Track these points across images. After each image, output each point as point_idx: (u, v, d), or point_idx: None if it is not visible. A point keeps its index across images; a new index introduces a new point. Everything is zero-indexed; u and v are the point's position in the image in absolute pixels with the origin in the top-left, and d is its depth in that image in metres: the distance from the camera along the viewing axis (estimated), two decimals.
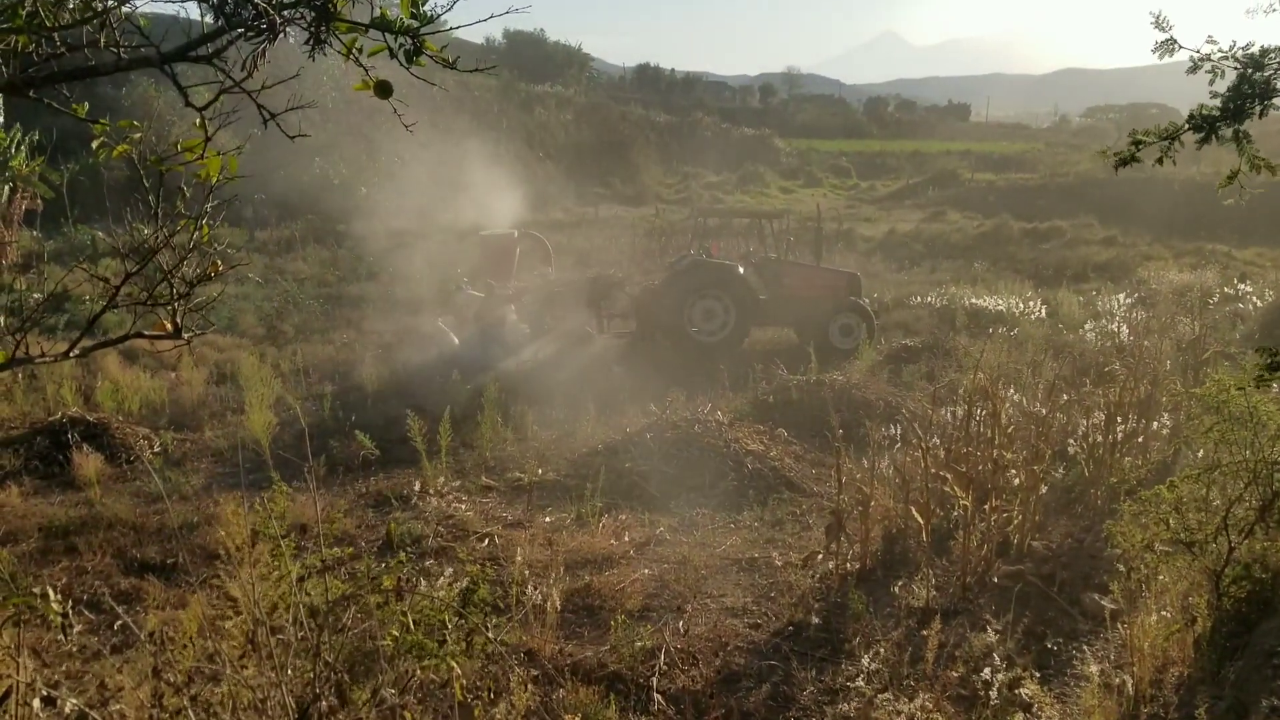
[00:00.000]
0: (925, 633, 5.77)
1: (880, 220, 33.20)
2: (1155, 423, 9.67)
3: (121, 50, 2.03)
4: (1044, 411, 9.14)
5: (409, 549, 7.85)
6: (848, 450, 9.52)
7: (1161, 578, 5.93)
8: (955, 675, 5.60)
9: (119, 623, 6.76)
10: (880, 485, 8.12)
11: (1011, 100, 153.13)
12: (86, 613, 6.98)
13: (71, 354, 2.80)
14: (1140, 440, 9.15)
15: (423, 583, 6.97)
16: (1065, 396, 10.31)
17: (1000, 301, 18.77)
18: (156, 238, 2.79)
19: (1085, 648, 6.33)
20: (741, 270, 15.65)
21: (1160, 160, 3.52)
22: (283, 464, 9.99)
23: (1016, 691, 4.72)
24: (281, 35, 2.30)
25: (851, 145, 55.77)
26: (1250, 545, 5.42)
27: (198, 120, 2.47)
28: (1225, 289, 20.14)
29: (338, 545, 8.05)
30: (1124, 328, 15.97)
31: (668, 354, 15.14)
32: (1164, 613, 5.71)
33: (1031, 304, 18.76)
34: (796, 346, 15.53)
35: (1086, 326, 16.59)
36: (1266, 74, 3.55)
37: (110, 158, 2.65)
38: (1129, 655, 5.49)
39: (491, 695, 4.12)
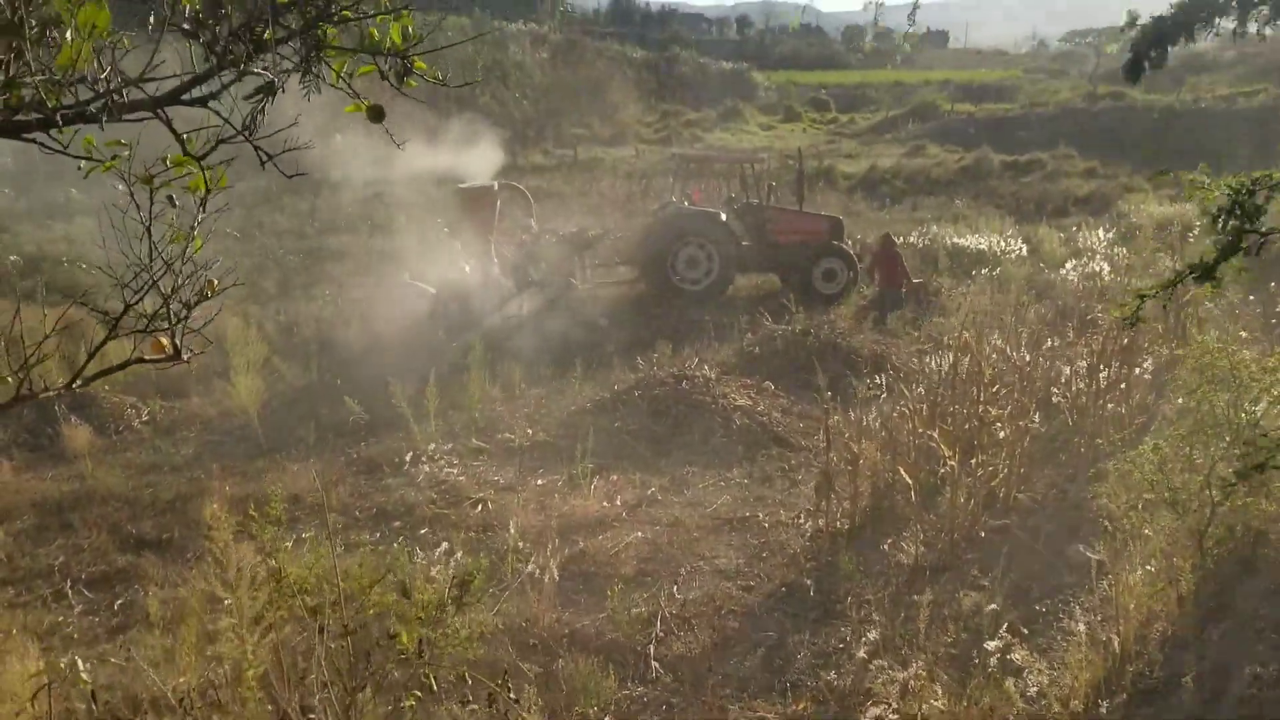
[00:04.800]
0: (916, 597, 5.89)
1: (860, 156, 33.01)
2: (1138, 368, 9.76)
3: (114, 95, 2.00)
4: (1027, 357, 9.24)
5: (403, 518, 7.92)
6: (835, 403, 9.62)
7: (1146, 532, 6.05)
8: (947, 639, 5.73)
9: (119, 603, 6.84)
10: (868, 440, 8.21)
11: (989, 27, 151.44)
12: (86, 592, 7.07)
13: (74, 385, 2.80)
14: (1123, 387, 9.25)
15: (419, 554, 7.06)
16: (1048, 343, 10.40)
17: (981, 240, 18.78)
18: (152, 261, 2.77)
19: (1071, 600, 6.47)
20: (724, 217, 15.59)
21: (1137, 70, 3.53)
22: (272, 430, 10.02)
23: (1008, 658, 4.84)
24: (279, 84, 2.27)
25: (830, 77, 55.22)
26: (1233, 502, 5.53)
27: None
28: (1205, 220, 20.18)
29: (330, 516, 8.15)
30: (1105, 265, 16.03)
31: (652, 303, 15.13)
32: (1148, 567, 5.83)
33: (1012, 242, 18.77)
34: (781, 292, 15.54)
35: (1068, 265, 16.63)
36: None
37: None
38: (1114, 611, 5.62)
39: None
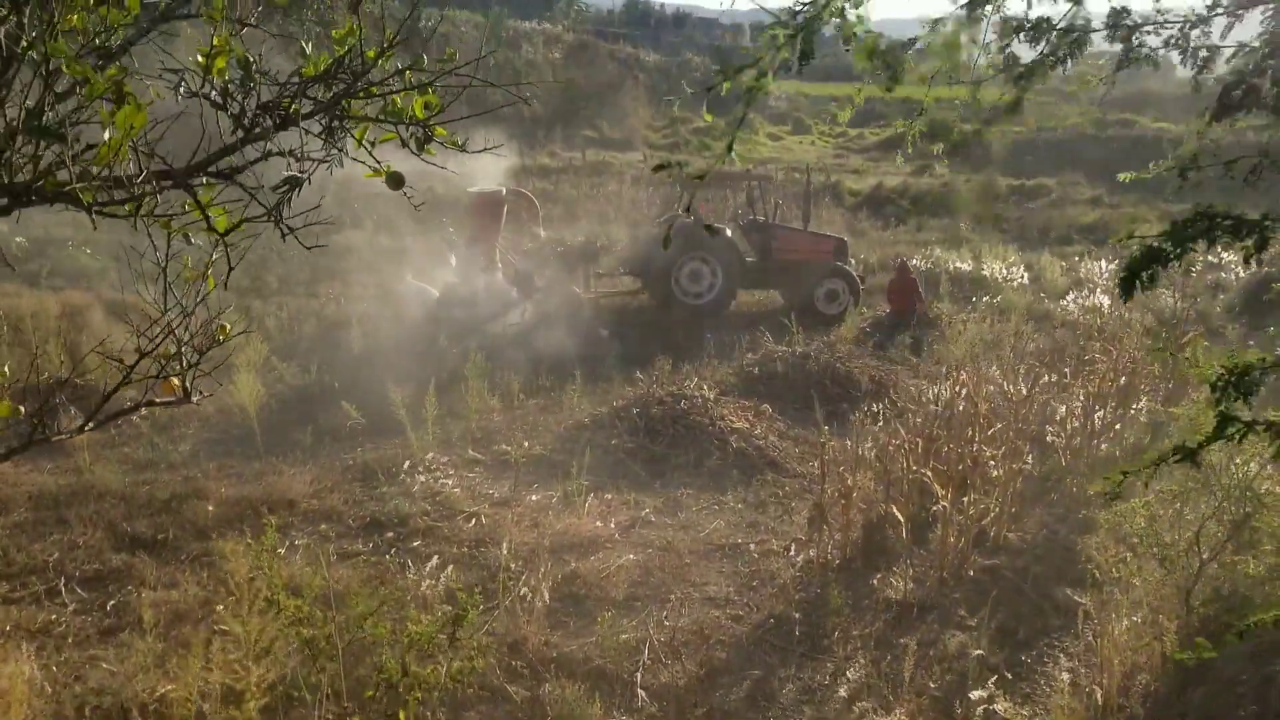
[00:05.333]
0: (904, 640, 5.94)
1: (868, 172, 33.10)
2: (1133, 408, 9.82)
3: (142, 168, 2.05)
4: (1024, 392, 9.28)
5: (396, 529, 7.97)
6: (831, 428, 9.67)
7: (1135, 582, 6.09)
8: (932, 683, 5.79)
9: (112, 603, 6.88)
10: (862, 470, 8.26)
11: None
12: (80, 591, 7.11)
13: (86, 429, 2.85)
14: (1118, 428, 9.31)
15: (410, 568, 7.12)
16: (1045, 378, 10.46)
17: (984, 266, 18.86)
18: (165, 311, 2.82)
19: (1057, 645, 6.53)
20: (729, 233, 15.65)
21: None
22: (270, 431, 10.06)
23: (992, 708, 4.89)
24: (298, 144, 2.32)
25: (841, 90, 55.22)
26: (1220, 560, 5.58)
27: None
28: (1208, 257, 20.26)
29: (325, 523, 8.21)
30: (1105, 299, 16.10)
31: (654, 316, 15.19)
32: (1135, 618, 5.88)
33: (1015, 269, 18.86)
34: (782, 310, 15.60)
35: (1069, 296, 16.72)
36: None
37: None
38: (1098, 660, 5.67)
39: None
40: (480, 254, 13.88)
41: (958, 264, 18.97)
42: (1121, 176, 3.43)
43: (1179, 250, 2.65)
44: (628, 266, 16.41)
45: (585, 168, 30.58)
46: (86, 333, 12.55)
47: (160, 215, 2.01)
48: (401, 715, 3.45)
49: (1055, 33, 3.41)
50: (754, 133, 42.15)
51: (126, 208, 1.85)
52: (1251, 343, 13.63)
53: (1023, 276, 18.35)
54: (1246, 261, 2.83)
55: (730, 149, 2.62)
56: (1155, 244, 2.65)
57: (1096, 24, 3.40)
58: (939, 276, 18.12)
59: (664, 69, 49.63)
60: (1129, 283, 2.70)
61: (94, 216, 1.80)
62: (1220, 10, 3.61)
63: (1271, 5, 3.49)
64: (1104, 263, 19.62)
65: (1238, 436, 2.91)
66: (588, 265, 15.62)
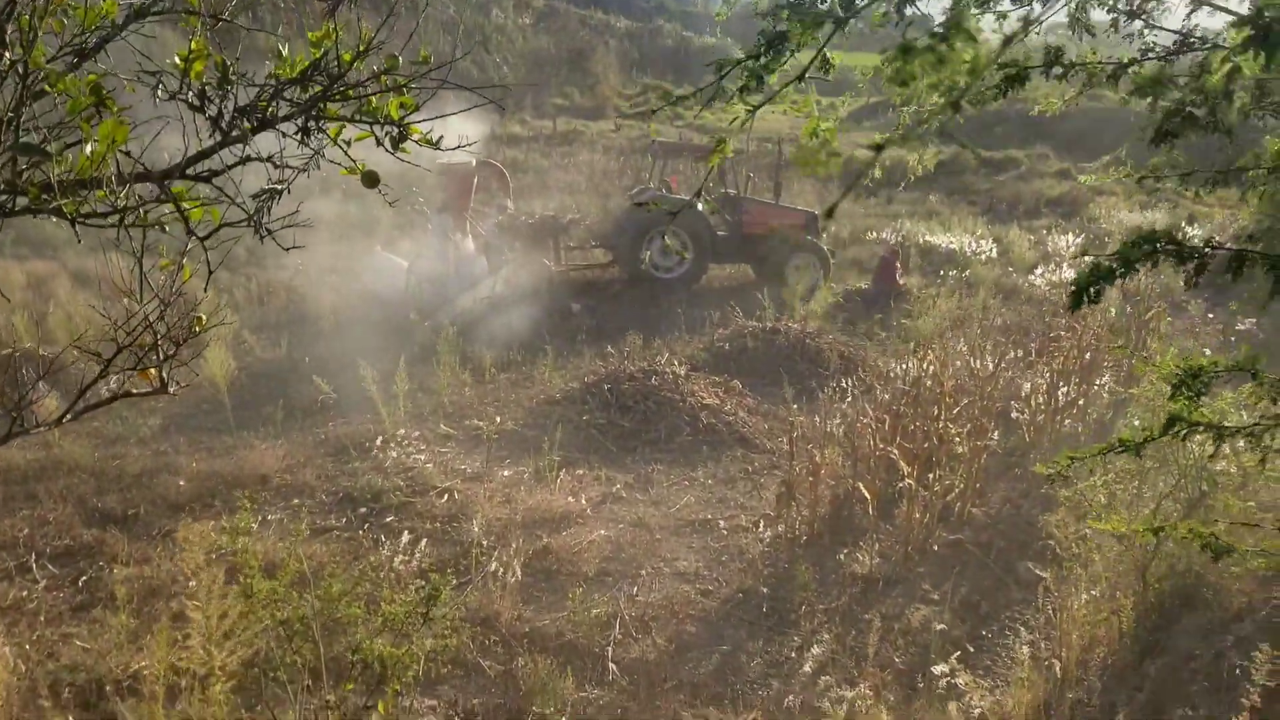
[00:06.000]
0: (869, 615, 6.08)
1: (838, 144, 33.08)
2: (1097, 384, 10.00)
3: (129, 210, 2.08)
4: (990, 368, 9.43)
5: (369, 504, 8.01)
6: (800, 405, 9.79)
7: (1094, 557, 6.25)
8: (896, 656, 5.93)
9: (84, 579, 6.89)
10: (830, 446, 8.39)
11: None
12: (50, 567, 7.11)
13: (64, 420, 2.88)
14: (1081, 404, 9.48)
15: (384, 543, 7.16)
16: (1011, 354, 10.63)
17: (953, 239, 19.01)
18: (142, 296, 2.85)
19: (1018, 619, 6.69)
20: (701, 206, 15.66)
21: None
22: (241, 406, 10.05)
23: (954, 681, 5.03)
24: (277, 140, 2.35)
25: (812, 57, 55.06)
26: (1175, 538, 5.74)
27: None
28: (1174, 232, 20.49)
29: (297, 498, 8.24)
30: (1071, 274, 16.29)
31: (625, 290, 15.22)
32: (1093, 593, 6.03)
33: (983, 243, 19.02)
34: (753, 284, 15.68)
35: (1036, 271, 16.90)
36: None
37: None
38: (1058, 634, 5.83)
39: None
40: (451, 225, 13.84)
41: (927, 237, 19.11)
42: (1084, 179, 3.53)
43: (1124, 270, 2.74)
44: (598, 240, 16.43)
45: (555, 137, 30.42)
46: (53, 303, 12.44)
47: (143, 224, 2.04)
48: (381, 707, 3.52)
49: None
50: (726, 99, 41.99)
51: (110, 219, 1.88)
52: (1211, 315, 13.89)
53: (991, 250, 18.52)
54: (1187, 286, 2.94)
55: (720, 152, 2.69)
56: (1104, 262, 2.75)
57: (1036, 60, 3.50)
58: (908, 251, 18.25)
59: (635, 35, 49.24)
60: (1078, 296, 2.81)
61: (76, 228, 1.83)
62: (1153, 54, 3.71)
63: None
64: (1071, 236, 19.83)
65: (1182, 434, 3.02)
66: (558, 238, 15.61)
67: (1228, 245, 2.89)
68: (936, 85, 2.09)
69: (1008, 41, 2.15)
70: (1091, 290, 2.73)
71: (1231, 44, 2.49)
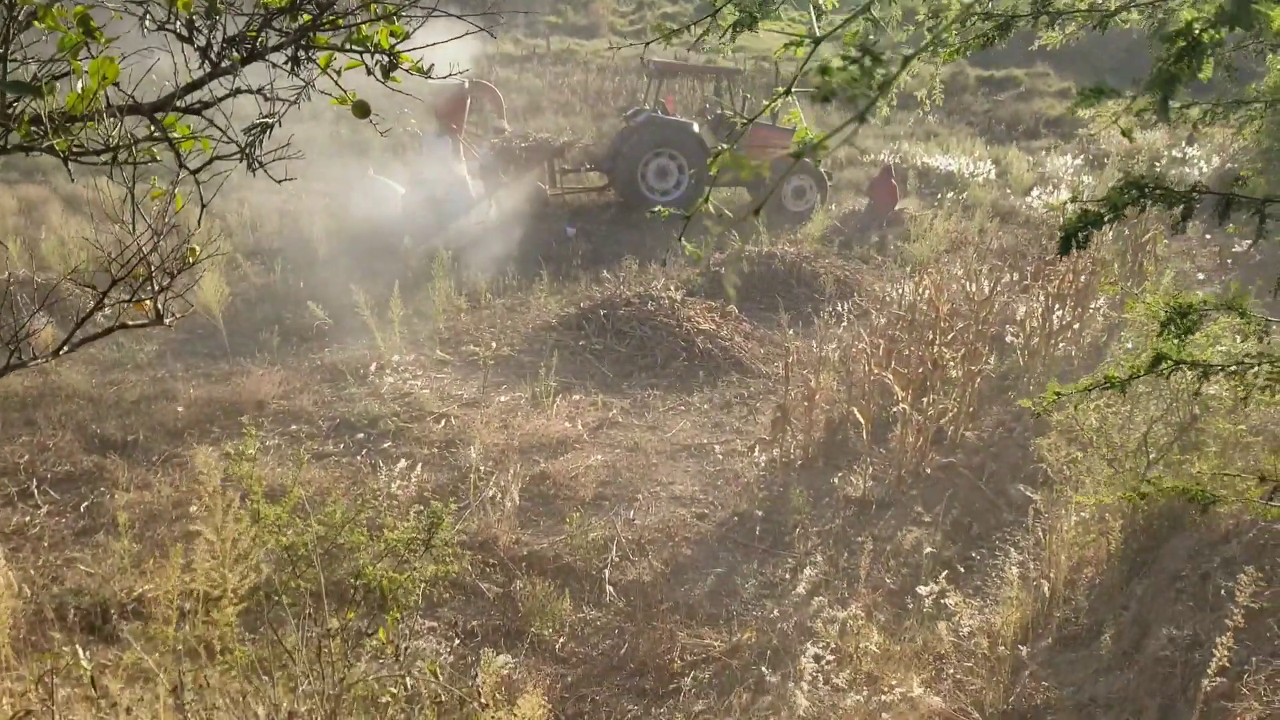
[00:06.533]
0: (862, 537, 6.18)
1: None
2: (1092, 308, 10.01)
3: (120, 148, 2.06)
4: (986, 292, 9.43)
5: (366, 430, 8.06)
6: (796, 329, 9.81)
7: (1085, 480, 6.33)
8: (888, 577, 6.04)
9: (85, 505, 6.96)
10: (825, 371, 8.44)
11: None
12: (52, 493, 7.17)
13: (61, 351, 2.88)
14: (1076, 328, 9.50)
15: (381, 469, 7.24)
16: (1006, 278, 10.61)
17: (951, 161, 18.84)
18: (134, 232, 2.84)
19: (1008, 539, 6.79)
20: (697, 128, 15.49)
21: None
22: (236, 332, 10.05)
23: (943, 601, 5.13)
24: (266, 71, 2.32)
25: None
26: (1166, 460, 5.81)
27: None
28: (1173, 151, 20.33)
29: (295, 424, 8.29)
30: (1068, 194, 16.19)
31: (621, 213, 15.11)
32: (1082, 514, 6.12)
33: (981, 164, 18.86)
34: (749, 206, 15.57)
35: (1033, 192, 16.79)
36: None
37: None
38: (1047, 555, 5.93)
39: None
40: (450, 149, 13.69)
41: (925, 159, 18.94)
42: (1082, 112, 3.49)
43: (1112, 216, 2.74)
44: (594, 163, 16.26)
45: (549, 56, 29.90)
46: (45, 228, 12.35)
47: (135, 161, 2.02)
48: (381, 633, 3.60)
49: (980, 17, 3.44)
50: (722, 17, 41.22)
51: (103, 157, 1.86)
52: (1209, 236, 13.86)
53: (989, 171, 18.37)
54: (1174, 230, 2.94)
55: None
56: (1092, 208, 2.74)
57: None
58: (906, 173, 18.10)
59: None
60: (1066, 242, 2.81)
61: (69, 166, 1.81)
62: None
63: None
64: (1069, 157, 19.66)
65: (1168, 372, 3.05)
66: (553, 161, 15.44)
67: (1213, 190, 2.88)
68: None
69: None
70: (1080, 235, 2.73)
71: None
